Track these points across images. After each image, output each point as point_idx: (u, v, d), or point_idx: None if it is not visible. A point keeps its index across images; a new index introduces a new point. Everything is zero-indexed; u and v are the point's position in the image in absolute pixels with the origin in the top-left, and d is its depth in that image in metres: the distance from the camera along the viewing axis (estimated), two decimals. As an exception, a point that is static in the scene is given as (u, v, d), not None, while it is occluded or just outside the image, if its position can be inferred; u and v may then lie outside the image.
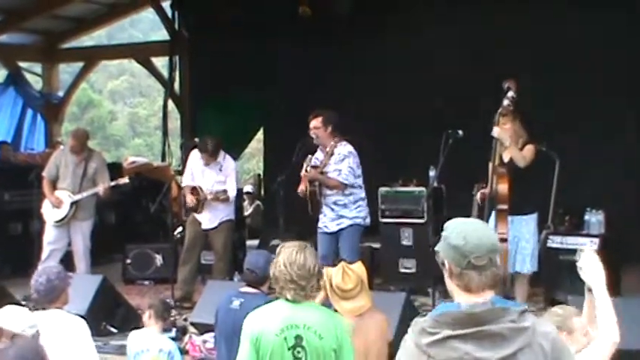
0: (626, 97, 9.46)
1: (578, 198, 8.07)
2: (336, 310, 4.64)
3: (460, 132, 6.72)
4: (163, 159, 13.12)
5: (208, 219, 8.34)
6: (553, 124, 8.91)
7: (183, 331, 6.69)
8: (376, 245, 8.82)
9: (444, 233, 2.62)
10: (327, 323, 3.76)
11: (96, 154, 9.04)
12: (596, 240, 7.11)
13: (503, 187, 6.55)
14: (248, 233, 10.39)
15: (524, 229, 6.81)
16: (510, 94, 6.56)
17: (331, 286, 4.66)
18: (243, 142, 12.72)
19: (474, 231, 2.56)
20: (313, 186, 7.26)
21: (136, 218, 11.87)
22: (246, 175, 16.78)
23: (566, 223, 7.75)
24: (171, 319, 6.41)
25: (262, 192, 12.92)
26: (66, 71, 17.13)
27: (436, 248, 2.64)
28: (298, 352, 3.69)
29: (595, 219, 7.56)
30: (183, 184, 8.65)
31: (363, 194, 7.33)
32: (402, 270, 8.51)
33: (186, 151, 10.20)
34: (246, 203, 11.72)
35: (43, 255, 8.58)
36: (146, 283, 9.59)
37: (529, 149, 6.76)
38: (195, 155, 8.46)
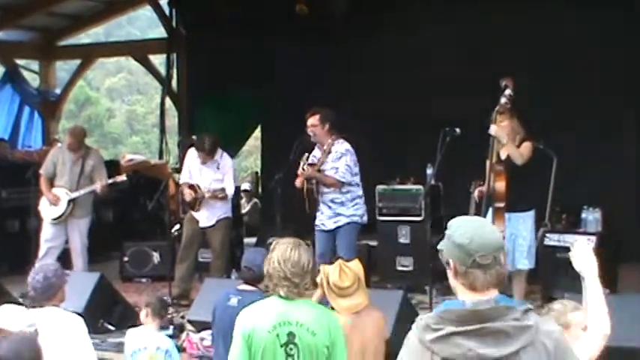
0: (623, 96, 9.47)
1: (576, 196, 8.08)
2: (333, 308, 4.65)
3: (457, 130, 6.72)
4: (161, 156, 13.11)
5: (206, 217, 8.34)
6: (550, 122, 8.92)
7: (180, 329, 6.69)
8: (373, 243, 8.82)
9: (447, 232, 2.62)
10: (320, 320, 3.76)
11: (93, 152, 9.03)
12: (593, 238, 7.12)
13: (500, 185, 6.57)
14: (245, 231, 10.38)
15: (521, 226, 6.82)
16: (508, 92, 6.57)
17: (328, 283, 4.66)
18: (240, 140, 12.71)
19: (479, 229, 2.57)
20: (310, 184, 7.27)
21: (133, 216, 11.86)
22: (244, 173, 16.80)
23: (563, 220, 7.75)
24: (169, 316, 6.41)
25: (260, 190, 12.92)
26: (63, 68, 17.14)
27: (439, 247, 2.64)
28: (291, 349, 3.70)
29: (592, 217, 7.57)
30: (180, 182, 8.65)
31: (360, 192, 7.34)
32: (399, 268, 8.51)
33: (183, 148, 10.17)
34: (243, 201, 11.72)
35: (41, 252, 8.57)
36: (143, 280, 9.59)
37: (526, 146, 6.77)
38: (192, 153, 8.45)
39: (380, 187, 8.66)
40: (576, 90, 9.51)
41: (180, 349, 5.91)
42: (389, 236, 8.59)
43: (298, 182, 7.27)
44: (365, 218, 7.39)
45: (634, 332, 5.17)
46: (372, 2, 10.59)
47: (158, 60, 14.04)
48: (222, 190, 8.25)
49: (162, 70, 13.40)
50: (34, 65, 14.48)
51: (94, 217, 9.17)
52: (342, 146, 7.22)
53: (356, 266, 4.78)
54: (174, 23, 12.83)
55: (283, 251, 3.81)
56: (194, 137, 8.79)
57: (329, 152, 7.22)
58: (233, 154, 9.58)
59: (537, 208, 6.98)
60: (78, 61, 14.26)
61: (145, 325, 5.48)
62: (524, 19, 9.77)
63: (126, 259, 9.78)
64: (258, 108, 12.00)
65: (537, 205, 6.99)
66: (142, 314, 5.53)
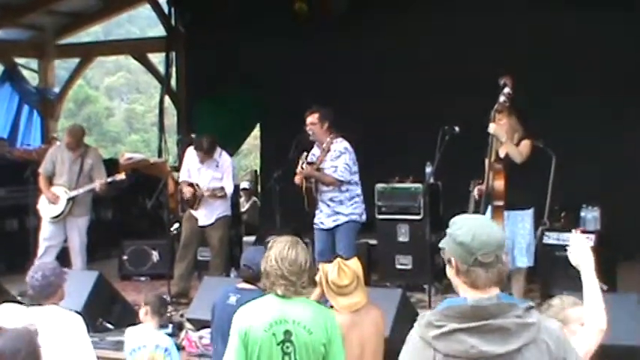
0: (623, 95, 9.46)
1: (574, 194, 8.08)
2: (332, 306, 4.65)
3: (456, 128, 6.73)
4: (160, 155, 13.11)
5: (204, 215, 8.34)
6: (550, 121, 8.91)
7: (179, 327, 6.69)
8: (373, 242, 8.82)
9: (449, 230, 2.63)
10: (316, 318, 3.75)
11: (92, 151, 9.03)
12: (592, 236, 7.12)
13: (499, 183, 6.57)
14: (244, 229, 10.37)
15: (520, 224, 6.83)
16: (506, 90, 6.57)
17: (327, 282, 4.66)
18: (239, 139, 12.72)
19: (481, 228, 2.57)
20: (309, 182, 7.27)
21: (132, 214, 11.86)
22: (243, 172, 16.79)
23: (562, 219, 7.76)
24: (168, 315, 6.41)
25: (259, 188, 12.92)
26: (62, 67, 17.12)
27: (441, 245, 2.65)
28: (287, 348, 3.69)
29: (591, 215, 7.57)
30: (179, 181, 8.65)
31: (359, 190, 7.35)
32: (399, 266, 8.51)
33: (182, 147, 10.18)
34: (242, 199, 11.71)
35: (39, 251, 8.57)
36: (142, 279, 9.59)
37: (525, 144, 6.78)
38: (191, 152, 8.45)
39: (379, 186, 8.66)
40: (576, 89, 9.52)
41: (180, 348, 5.90)
42: (388, 235, 8.59)
43: (297, 180, 7.27)
44: (364, 217, 7.40)
45: (633, 330, 5.18)
46: (372, 1, 10.59)
47: (157, 59, 14.04)
48: (222, 189, 8.25)
49: (162, 69, 13.41)
50: (33, 64, 14.48)
51: (92, 216, 9.17)
52: (340, 145, 7.23)
53: (355, 264, 4.78)
54: (173, 22, 12.84)
55: (281, 250, 3.80)
56: (193, 136, 8.80)
57: (328, 151, 7.22)
58: (232, 153, 9.57)
59: (536, 206, 6.98)
60: (77, 60, 14.24)
61: (144, 323, 5.49)
62: (525, 19, 9.77)
63: (125, 257, 9.78)
64: (258, 107, 11.99)
65: (536, 203, 6.99)
66: (142, 312, 5.54)
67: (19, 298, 6.69)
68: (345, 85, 10.72)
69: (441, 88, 9.97)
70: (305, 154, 7.35)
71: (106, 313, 7.11)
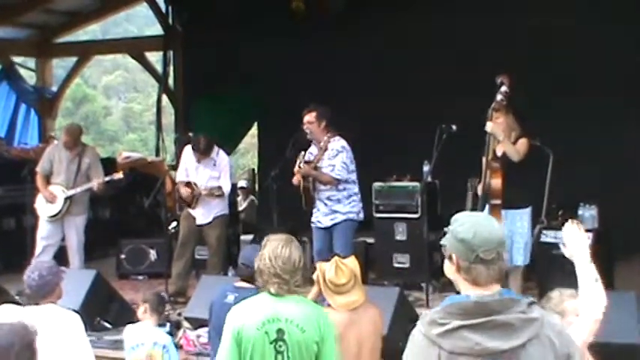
0: (623, 96, 9.45)
1: (572, 193, 8.08)
2: (329, 305, 4.66)
3: (454, 127, 6.73)
4: (157, 154, 13.10)
5: (202, 214, 8.34)
6: (550, 122, 8.89)
7: (177, 326, 6.68)
8: (370, 240, 8.83)
9: (450, 227, 2.64)
10: (309, 316, 3.75)
11: (90, 149, 9.03)
12: (590, 235, 7.09)
13: (496, 182, 6.57)
14: (242, 228, 10.38)
15: (518, 223, 6.83)
16: (503, 88, 6.57)
17: (324, 280, 4.66)
18: (237, 138, 12.71)
19: (482, 225, 2.59)
20: (307, 181, 7.27)
21: (130, 213, 11.87)
22: (241, 171, 16.77)
23: (559, 217, 7.75)
24: (165, 313, 6.41)
25: (256, 187, 12.91)
26: (60, 66, 17.09)
27: (442, 242, 2.66)
28: (280, 346, 3.69)
29: (588, 214, 7.58)
30: (177, 180, 8.65)
31: (356, 189, 7.35)
32: (396, 265, 8.52)
33: (180, 146, 10.18)
34: (240, 198, 11.71)
35: (37, 250, 8.57)
36: (140, 278, 9.60)
37: (522, 143, 6.78)
38: (188, 151, 8.45)
39: (376, 185, 8.66)
40: (575, 88, 9.51)
41: (177, 347, 5.91)
42: (386, 233, 8.59)
43: (295, 181, 7.28)
44: (361, 215, 7.40)
45: (630, 328, 5.19)
46: (369, 0, 10.60)
47: (155, 57, 14.04)
48: (219, 188, 8.25)
49: (159, 68, 13.40)
50: (31, 63, 14.47)
51: (90, 215, 9.17)
52: (338, 143, 7.23)
53: (352, 263, 4.78)
54: (170, 20, 12.83)
55: (274, 248, 3.80)
56: (191, 134, 8.80)
57: (325, 149, 7.22)
58: (229, 152, 9.58)
59: (534, 205, 6.98)
60: (74, 59, 14.23)
61: (142, 321, 5.49)
62: (524, 19, 9.76)
63: (122, 256, 9.78)
64: (255, 105, 11.98)
65: (534, 202, 6.99)
66: (140, 310, 5.54)
67: (16, 298, 6.69)
68: (342, 84, 10.71)
69: (439, 88, 9.96)
70: (303, 153, 7.35)
71: (103, 312, 7.11)
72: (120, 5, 14.03)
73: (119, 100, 39.23)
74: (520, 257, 6.81)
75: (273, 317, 3.71)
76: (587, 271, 3.27)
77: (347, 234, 7.27)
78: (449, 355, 2.46)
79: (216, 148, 8.37)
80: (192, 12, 12.37)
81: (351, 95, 10.54)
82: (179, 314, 7.20)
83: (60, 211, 8.61)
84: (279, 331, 3.70)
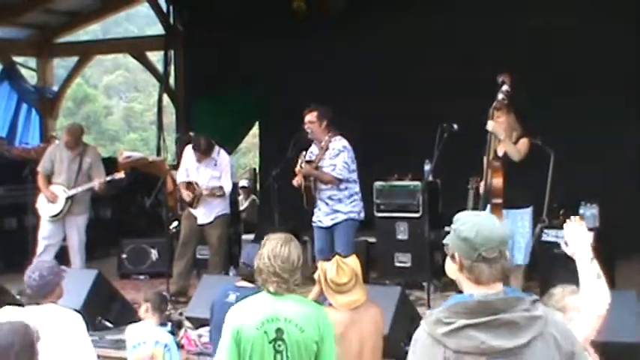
0: (624, 96, 9.45)
1: (573, 192, 8.07)
2: (330, 304, 4.66)
3: (455, 126, 6.73)
4: (159, 153, 13.11)
5: (203, 214, 8.34)
6: (551, 122, 8.89)
7: (178, 326, 6.69)
8: (372, 239, 8.83)
9: (453, 226, 2.64)
10: (308, 316, 3.74)
11: (91, 149, 9.03)
12: (591, 234, 7.11)
13: (497, 181, 6.57)
14: (243, 227, 10.39)
15: (519, 223, 6.83)
16: (505, 87, 6.57)
17: (326, 280, 4.66)
18: (238, 137, 12.71)
19: (484, 223, 2.60)
20: (308, 181, 7.28)
21: (131, 213, 11.87)
22: (242, 170, 16.78)
23: (560, 216, 7.74)
24: (167, 313, 6.41)
25: (258, 186, 12.92)
26: (61, 66, 17.11)
27: (445, 241, 2.67)
28: (279, 346, 3.69)
29: (589, 213, 7.57)
30: (178, 181, 8.64)
31: (357, 188, 7.35)
32: (398, 264, 8.52)
33: (181, 145, 10.18)
34: (241, 198, 11.72)
35: (38, 250, 8.58)
36: (141, 277, 9.61)
37: (523, 143, 6.78)
38: (189, 151, 8.46)
39: (378, 184, 8.66)
40: (576, 88, 9.51)
41: (179, 346, 5.91)
42: (387, 233, 8.59)
43: (295, 182, 7.28)
44: (362, 215, 7.40)
45: (631, 327, 5.19)
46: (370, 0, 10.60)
47: (156, 57, 14.03)
48: (220, 188, 8.25)
49: (160, 67, 13.41)
50: (32, 62, 14.47)
51: (91, 215, 9.17)
52: (339, 143, 7.23)
53: (353, 262, 4.78)
54: (171, 20, 12.85)
55: (273, 247, 3.80)
56: (192, 134, 8.80)
57: (326, 149, 7.23)
58: (230, 152, 9.58)
59: (535, 204, 6.98)
60: (75, 59, 14.23)
61: (144, 320, 5.49)
62: (526, 19, 9.75)
63: (124, 256, 9.79)
64: (256, 105, 11.99)
65: (535, 201, 6.99)
66: (142, 309, 5.54)
67: (18, 297, 6.69)
68: (343, 84, 10.71)
69: (441, 88, 9.96)
70: (303, 153, 7.35)
71: (105, 311, 7.12)
72: (121, 5, 14.03)
73: (120, 99, 39.24)
74: (521, 256, 6.82)
75: (272, 317, 3.71)
76: (589, 267, 3.27)
77: (348, 233, 7.27)
78: (454, 354, 2.47)
79: (217, 148, 8.37)
80: (194, 12, 12.38)
81: (353, 95, 10.54)
82: (180, 314, 7.21)
83: (61, 211, 8.61)
84: (278, 330, 3.69)
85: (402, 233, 8.52)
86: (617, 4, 9.20)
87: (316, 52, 10.83)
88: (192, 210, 8.34)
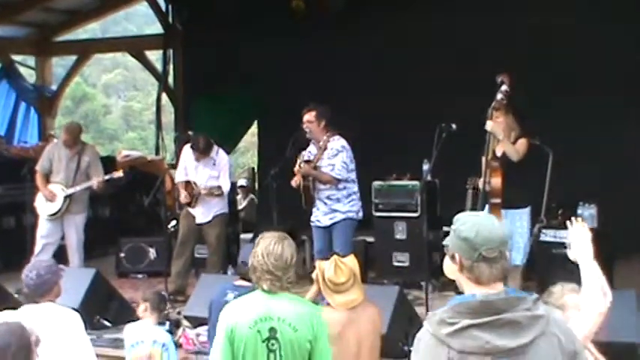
0: (623, 94, 9.45)
1: (572, 192, 8.08)
2: (328, 304, 4.65)
3: (453, 125, 6.72)
4: (157, 152, 13.11)
5: (202, 213, 8.34)
6: (550, 121, 8.90)
7: (176, 325, 6.68)
8: (370, 239, 8.84)
9: (453, 226, 2.65)
10: (302, 315, 3.75)
11: (89, 148, 9.03)
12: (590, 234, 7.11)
13: (496, 181, 6.57)
14: (242, 227, 10.39)
15: (518, 223, 6.83)
16: (504, 87, 6.56)
17: (324, 279, 4.66)
18: (237, 136, 12.70)
19: (484, 224, 2.60)
20: (307, 181, 7.27)
21: (129, 212, 11.87)
22: (241, 169, 16.77)
23: (559, 216, 7.75)
24: (165, 312, 6.41)
25: (256, 186, 12.92)
26: (59, 64, 17.11)
27: (445, 242, 2.67)
28: (272, 345, 3.69)
29: (588, 213, 7.58)
30: (176, 180, 8.64)
31: (355, 188, 7.34)
32: (396, 263, 8.52)
33: (179, 144, 10.19)
34: (239, 197, 11.71)
35: (37, 249, 8.57)
36: (140, 276, 9.60)
37: (522, 143, 6.78)
38: (187, 150, 8.45)
39: (376, 183, 8.67)
40: (575, 87, 9.51)
41: (177, 345, 5.91)
42: (385, 232, 8.60)
43: (294, 182, 7.27)
44: (360, 214, 7.40)
45: (631, 327, 5.19)
46: (370, -1, 10.61)
47: (154, 56, 14.03)
48: (219, 187, 8.26)
49: (159, 66, 13.40)
50: (31, 61, 14.46)
51: (90, 213, 9.17)
52: (337, 143, 7.22)
53: (351, 262, 4.78)
54: (170, 19, 12.84)
55: (267, 245, 3.81)
56: (190, 133, 8.80)
57: (325, 149, 7.22)
58: (229, 151, 9.58)
59: (534, 204, 6.98)
60: (74, 57, 14.24)
61: (143, 319, 5.49)
62: (524, 18, 9.75)
63: (122, 255, 9.79)
64: (255, 104, 11.98)
65: (534, 201, 6.99)
66: (141, 308, 5.54)
67: (16, 296, 6.69)
68: (342, 83, 10.70)
69: (439, 87, 9.96)
70: (302, 154, 7.35)
71: (103, 310, 7.11)
72: (119, 4, 14.03)
73: (119, 98, 39.19)
74: (519, 256, 6.81)
75: (265, 316, 3.71)
76: (591, 266, 3.27)
77: (346, 233, 7.27)
78: (459, 355, 2.47)
79: (215, 148, 8.37)
80: (192, 10, 12.37)
81: (351, 94, 10.53)
82: (178, 313, 7.19)
83: (59, 210, 8.61)
84: (272, 329, 3.70)
85: (401, 233, 8.52)
86: (615, 2, 9.21)
87: (315, 51, 10.83)
88: (190, 209, 8.34)
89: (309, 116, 7.23)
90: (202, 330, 6.12)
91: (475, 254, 2.55)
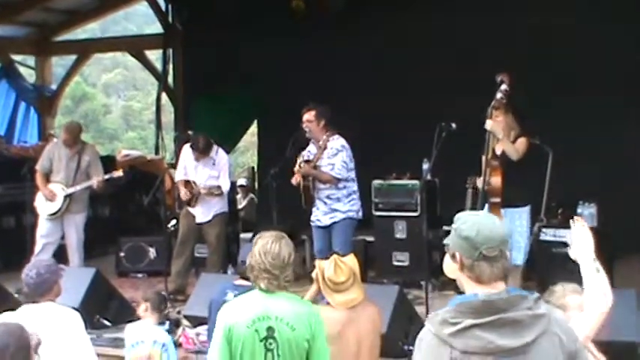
0: (623, 94, 9.45)
1: (572, 191, 8.08)
2: (328, 303, 4.65)
3: (453, 125, 6.71)
4: (157, 152, 13.11)
5: (202, 212, 8.34)
6: (550, 121, 8.89)
7: (176, 324, 6.68)
8: (370, 238, 8.83)
9: (453, 225, 2.65)
10: (300, 314, 3.75)
11: (89, 147, 9.03)
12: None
13: (496, 180, 6.56)
14: (242, 226, 10.38)
15: (517, 222, 6.82)
16: (503, 87, 6.57)
17: (323, 278, 4.66)
18: (236, 136, 12.71)
19: (485, 223, 2.61)
20: (307, 180, 7.27)
21: (129, 211, 11.87)
22: (240, 169, 16.77)
23: (559, 216, 7.75)
24: (165, 312, 6.41)
25: (256, 185, 12.92)
26: (59, 64, 17.10)
27: (445, 241, 2.67)
28: (270, 344, 3.69)
29: (588, 212, 7.58)
30: (176, 179, 8.65)
31: (355, 187, 7.35)
32: (396, 263, 8.53)
33: (179, 144, 10.18)
34: (239, 196, 11.71)
35: (37, 248, 8.57)
36: (140, 275, 9.60)
37: (521, 142, 6.78)
38: (187, 150, 8.45)
39: (376, 183, 8.67)
40: (575, 87, 9.51)
41: (177, 345, 5.91)
42: (385, 231, 8.60)
43: (294, 181, 7.27)
44: (360, 214, 7.40)
45: (631, 326, 5.19)
46: (370, -1, 10.61)
47: (154, 55, 14.03)
48: (218, 187, 8.26)
49: (159, 66, 13.39)
50: (30, 61, 14.47)
51: (90, 213, 9.17)
52: (337, 142, 7.22)
53: (351, 261, 4.78)
54: (170, 19, 12.84)
55: (264, 244, 3.82)
56: (190, 133, 8.80)
57: (324, 148, 7.22)
58: (229, 150, 9.58)
59: (533, 203, 6.98)
60: (74, 57, 14.24)
61: (143, 319, 5.49)
62: (524, 18, 9.75)
63: (122, 254, 9.79)
64: (255, 104, 11.99)
65: (533, 200, 6.99)
66: (141, 308, 5.54)
67: (16, 296, 6.69)
68: (342, 83, 10.71)
69: (439, 87, 9.96)
70: (302, 154, 7.35)
71: (103, 309, 7.11)
72: (119, 3, 14.03)
73: (119, 98, 39.18)
74: (520, 256, 6.81)
75: (263, 315, 3.72)
76: (592, 266, 3.27)
77: (346, 232, 7.27)
78: (461, 355, 2.47)
79: (215, 147, 8.37)
80: (192, 10, 12.37)
81: (351, 94, 10.54)
82: (178, 312, 7.20)
83: (59, 209, 8.61)
84: (269, 329, 3.70)
85: (400, 232, 8.53)
86: (615, 2, 9.20)
87: (315, 51, 10.83)
88: (190, 209, 8.34)
89: (308, 116, 7.23)
90: (202, 329, 6.12)
91: (476, 253, 2.55)
